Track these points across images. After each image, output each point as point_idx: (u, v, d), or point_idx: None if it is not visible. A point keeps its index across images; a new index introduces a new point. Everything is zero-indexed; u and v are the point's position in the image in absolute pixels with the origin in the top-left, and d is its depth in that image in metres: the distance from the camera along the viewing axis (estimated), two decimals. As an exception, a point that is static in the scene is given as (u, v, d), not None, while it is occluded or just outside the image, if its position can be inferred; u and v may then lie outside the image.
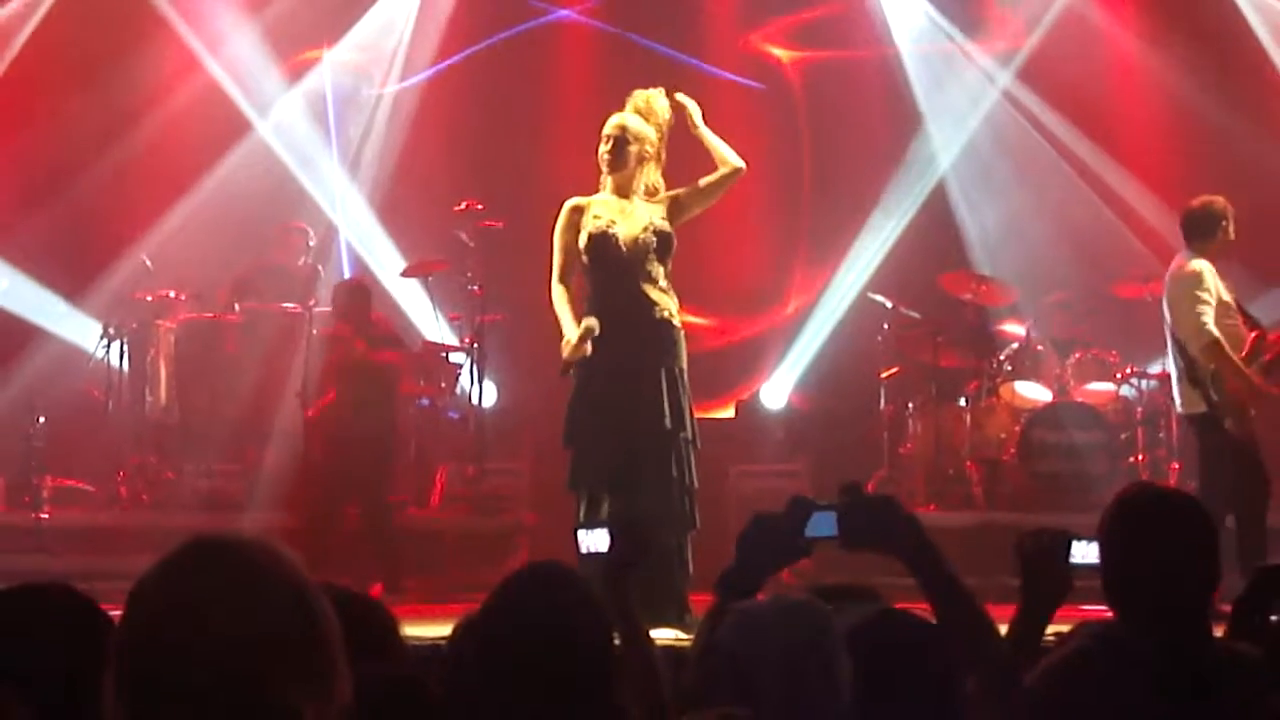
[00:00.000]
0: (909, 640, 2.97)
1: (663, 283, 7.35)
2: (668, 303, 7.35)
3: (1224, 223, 8.58)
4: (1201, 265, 8.57)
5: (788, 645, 2.74)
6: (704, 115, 7.50)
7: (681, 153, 7.68)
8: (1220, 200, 8.65)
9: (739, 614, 2.83)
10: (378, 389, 10.20)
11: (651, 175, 7.45)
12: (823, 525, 3.00)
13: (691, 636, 6.70)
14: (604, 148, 7.39)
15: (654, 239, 7.29)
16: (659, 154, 7.48)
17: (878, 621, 3.01)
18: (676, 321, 7.37)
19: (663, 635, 6.64)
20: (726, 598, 3.00)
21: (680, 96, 7.50)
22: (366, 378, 10.12)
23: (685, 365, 7.38)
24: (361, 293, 10.64)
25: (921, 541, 3.01)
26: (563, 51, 12.96)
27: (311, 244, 11.77)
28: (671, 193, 7.46)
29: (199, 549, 1.86)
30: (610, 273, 7.30)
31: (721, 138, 7.52)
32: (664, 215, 7.36)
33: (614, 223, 7.28)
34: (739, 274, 12.89)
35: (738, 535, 3.09)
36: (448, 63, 12.99)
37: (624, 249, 7.27)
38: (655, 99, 7.47)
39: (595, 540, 3.69)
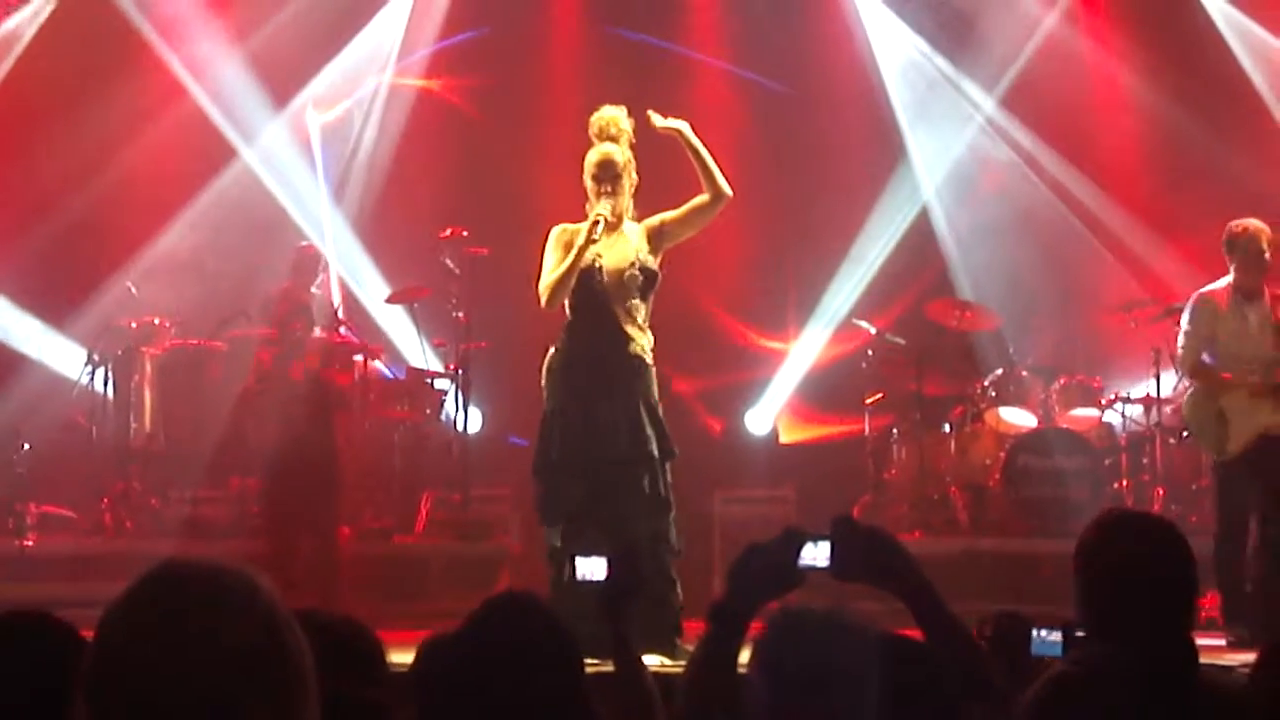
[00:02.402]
0: (914, 666, 2.97)
1: (641, 319, 7.30)
2: (642, 340, 7.29)
3: (1232, 249, 8.62)
4: (1196, 294, 8.72)
5: (838, 660, 2.72)
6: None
7: (658, 168, 7.66)
8: (1235, 225, 8.67)
9: (789, 619, 2.79)
10: (309, 411, 9.97)
11: (628, 198, 7.42)
12: (816, 556, 3.00)
13: (674, 661, 6.74)
14: (596, 185, 7.29)
15: (639, 276, 7.24)
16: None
17: (884, 647, 3.01)
18: (648, 358, 7.30)
19: (653, 662, 6.63)
20: (718, 628, 2.99)
21: (667, 121, 7.34)
22: (295, 398, 9.90)
23: (657, 398, 7.32)
24: (290, 303, 10.40)
25: (914, 574, 3.02)
26: (549, 79, 12.98)
27: (322, 265, 11.57)
28: (658, 218, 7.38)
29: (167, 574, 1.87)
30: (590, 306, 7.26)
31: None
32: (650, 249, 7.30)
33: (600, 256, 7.22)
34: (730, 307, 12.91)
35: (730, 565, 3.08)
36: (435, 49, 13.04)
37: (607, 284, 7.23)
38: (620, 119, 7.41)
39: (592, 568, 3.69)
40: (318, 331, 10.33)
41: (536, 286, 7.29)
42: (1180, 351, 8.77)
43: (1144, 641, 3.18)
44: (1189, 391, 8.85)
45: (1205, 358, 8.63)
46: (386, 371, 11.74)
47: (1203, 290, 8.74)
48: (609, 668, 3.57)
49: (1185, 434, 8.77)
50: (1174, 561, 3.27)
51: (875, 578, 3.03)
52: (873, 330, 11.65)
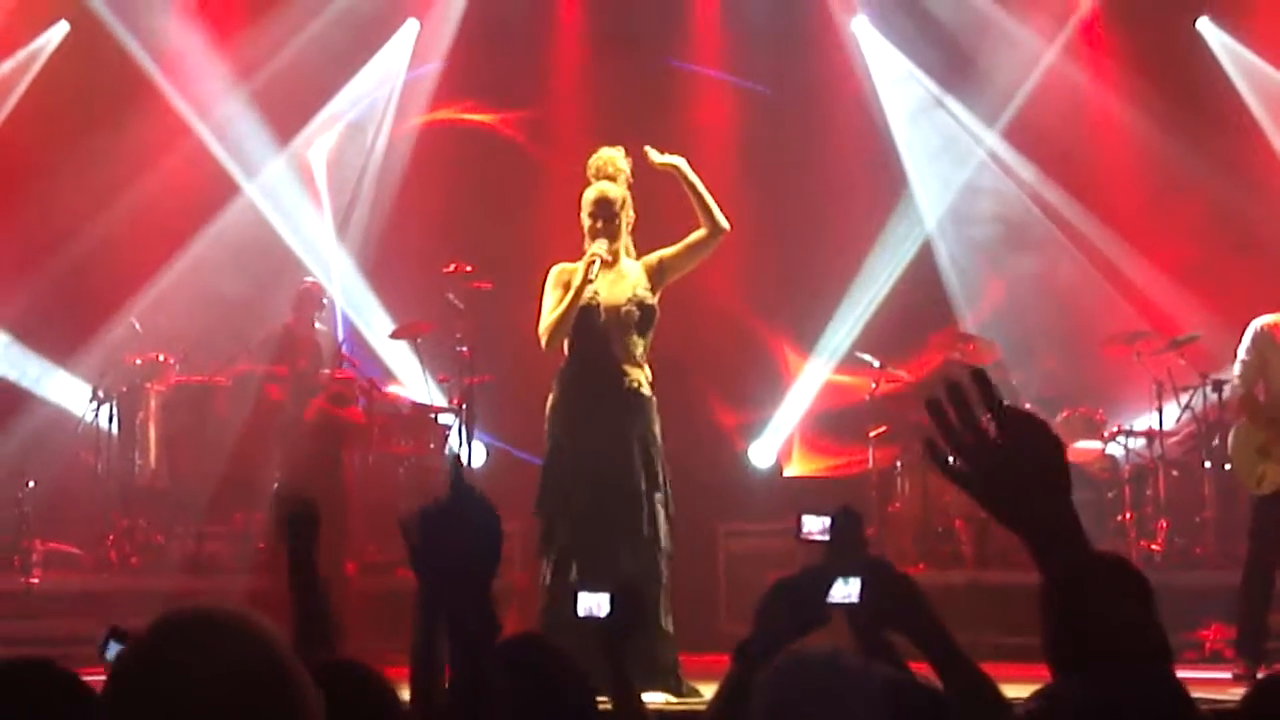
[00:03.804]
0: (916, 709, 2.96)
1: (639, 355, 7.34)
2: (639, 374, 7.32)
3: None
4: (1258, 324, 8.71)
5: (838, 703, 2.72)
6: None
7: (657, 201, 7.70)
8: None
9: (791, 663, 2.79)
10: (317, 447, 9.97)
11: (626, 236, 7.46)
12: (846, 593, 2.96)
13: (680, 699, 6.73)
14: (593, 222, 7.33)
15: (636, 312, 7.28)
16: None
17: (885, 690, 3.00)
18: (646, 391, 7.32)
19: (657, 700, 6.63)
20: (744, 666, 2.97)
21: (664, 156, 7.38)
22: (304, 435, 9.92)
23: (657, 432, 7.33)
24: (294, 340, 10.41)
25: (934, 619, 3.00)
26: (554, 113, 13.01)
27: (325, 301, 11.72)
28: (657, 255, 7.41)
29: (177, 621, 1.87)
30: (589, 343, 7.29)
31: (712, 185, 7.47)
32: (647, 285, 7.34)
33: (597, 293, 7.26)
34: (735, 343, 12.90)
35: (758, 603, 3.05)
36: (421, 66, 13.09)
37: (605, 322, 7.27)
38: (617, 159, 7.45)
39: (595, 604, 3.68)
40: (324, 368, 10.38)
41: (537, 327, 7.34)
42: (1235, 379, 8.81)
43: (1104, 675, 3.16)
44: (1237, 424, 8.83)
45: (1259, 392, 8.64)
46: (403, 394, 11.79)
47: (1266, 319, 8.73)
48: (605, 704, 3.56)
49: (1226, 465, 8.76)
50: (1126, 595, 3.24)
51: (898, 619, 3.00)
52: (876, 363, 11.65)
